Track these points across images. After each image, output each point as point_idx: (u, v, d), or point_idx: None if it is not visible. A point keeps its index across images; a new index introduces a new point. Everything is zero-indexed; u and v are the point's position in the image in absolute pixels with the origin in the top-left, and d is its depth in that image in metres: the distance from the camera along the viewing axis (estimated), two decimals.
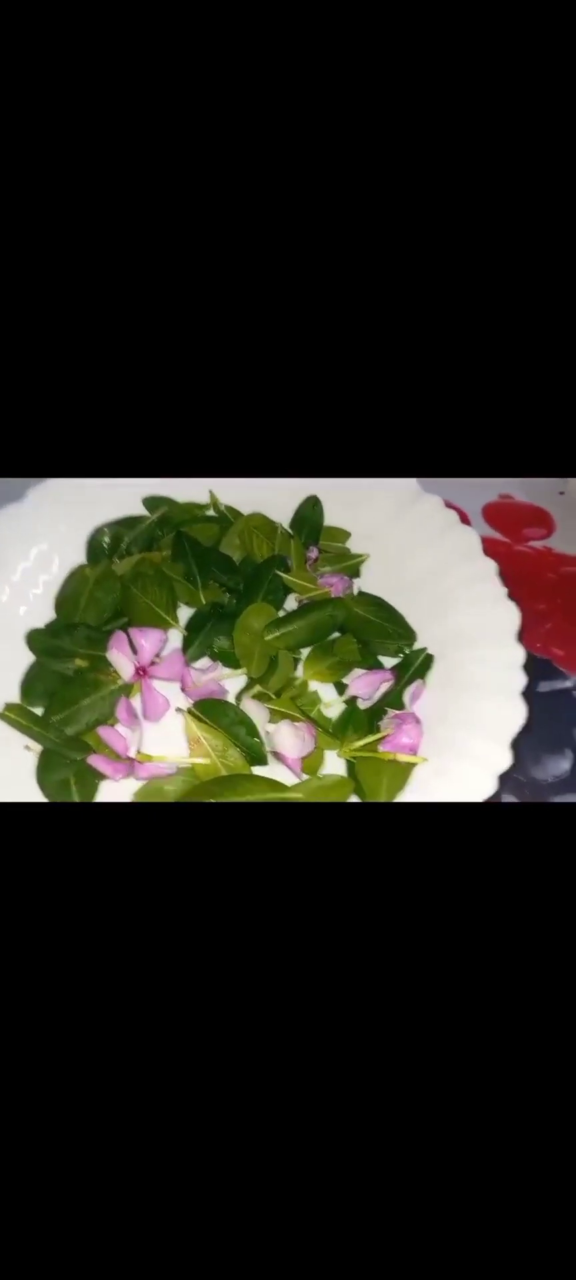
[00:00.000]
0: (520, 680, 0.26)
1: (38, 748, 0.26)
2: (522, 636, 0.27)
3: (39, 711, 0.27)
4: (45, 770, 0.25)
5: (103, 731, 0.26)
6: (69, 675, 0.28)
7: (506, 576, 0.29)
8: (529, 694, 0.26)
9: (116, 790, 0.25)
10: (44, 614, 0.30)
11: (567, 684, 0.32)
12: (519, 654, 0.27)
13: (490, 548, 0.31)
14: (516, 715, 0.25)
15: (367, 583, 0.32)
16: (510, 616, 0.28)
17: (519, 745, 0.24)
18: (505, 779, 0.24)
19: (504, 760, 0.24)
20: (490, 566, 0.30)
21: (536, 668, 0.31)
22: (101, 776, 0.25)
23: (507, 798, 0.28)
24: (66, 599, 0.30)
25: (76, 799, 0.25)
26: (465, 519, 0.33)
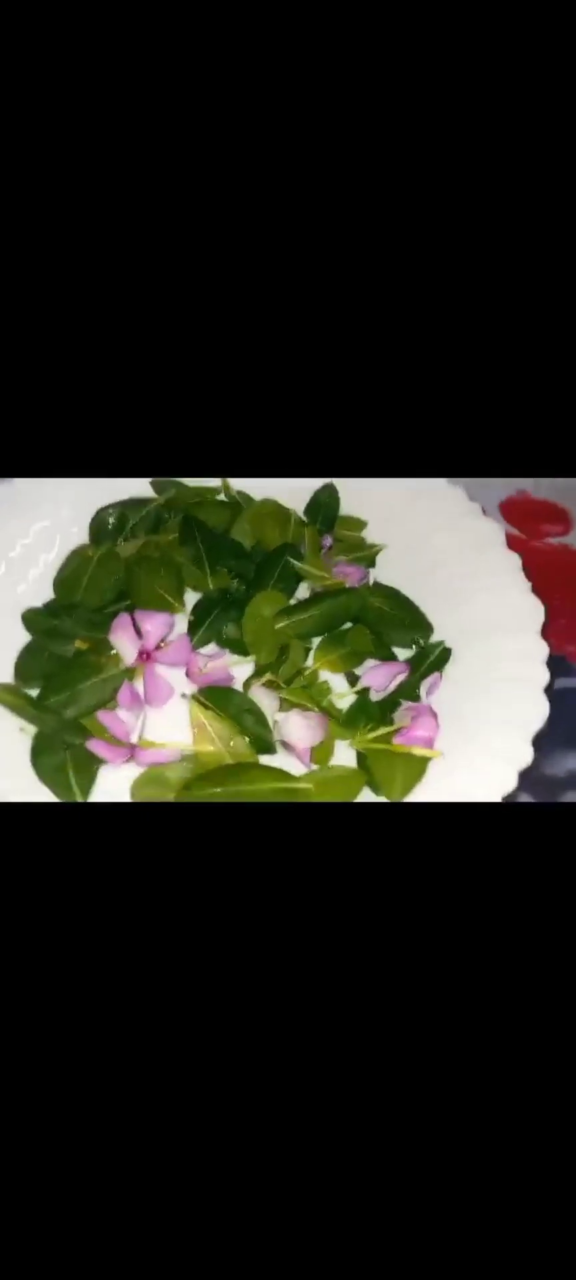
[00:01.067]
0: (543, 675, 0.25)
1: (32, 730, 0.25)
2: (545, 633, 0.26)
3: (34, 693, 0.26)
4: (41, 754, 0.24)
5: (103, 716, 0.25)
6: (68, 657, 0.27)
7: (529, 572, 0.28)
8: (549, 690, 0.24)
9: (116, 776, 0.24)
10: (43, 594, 0.29)
11: None
12: (542, 648, 0.26)
13: (507, 543, 0.30)
14: (538, 711, 0.24)
15: (383, 573, 0.31)
16: (534, 610, 0.27)
17: (538, 743, 0.23)
18: (520, 776, 0.23)
19: (525, 756, 0.23)
20: (514, 559, 0.29)
21: (552, 665, 0.30)
22: (100, 762, 0.24)
23: (523, 795, 0.27)
24: (66, 579, 0.29)
25: (74, 784, 0.23)
26: (484, 513, 0.32)
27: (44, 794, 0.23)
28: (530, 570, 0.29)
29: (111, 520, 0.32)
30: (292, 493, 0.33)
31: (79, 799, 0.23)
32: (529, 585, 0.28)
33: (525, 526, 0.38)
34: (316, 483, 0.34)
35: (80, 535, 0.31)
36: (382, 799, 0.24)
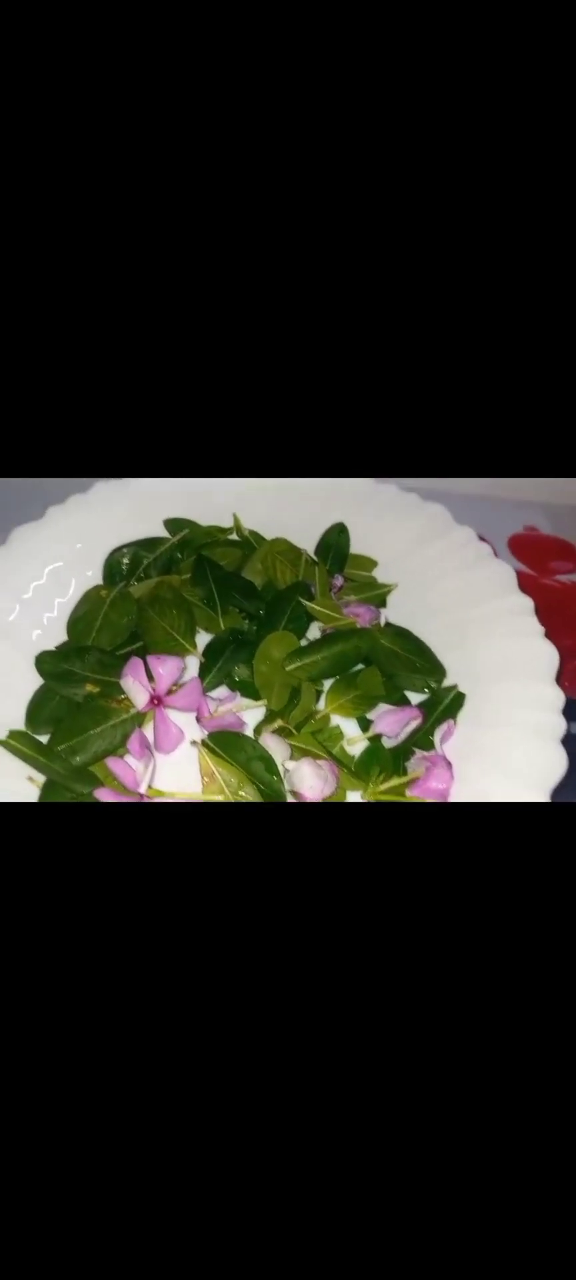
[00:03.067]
0: (559, 724, 0.24)
1: (40, 779, 0.25)
2: (559, 680, 0.26)
3: (44, 739, 0.26)
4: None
5: (111, 763, 0.25)
6: (78, 701, 0.27)
7: (540, 615, 0.28)
8: (567, 740, 0.24)
9: None
10: (57, 638, 0.29)
11: None
12: (558, 696, 0.25)
13: (519, 583, 0.30)
14: (556, 762, 0.23)
15: (395, 613, 0.31)
16: (548, 656, 0.26)
17: (557, 794, 0.23)
18: None
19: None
20: (526, 602, 0.29)
21: (566, 711, 0.29)
22: None
23: None
24: (79, 620, 0.29)
25: None
26: (492, 552, 0.32)
27: None
28: (540, 608, 0.28)
29: (125, 561, 0.32)
30: (302, 532, 0.33)
31: None
32: (542, 630, 0.27)
33: (534, 563, 0.38)
34: (323, 520, 0.33)
35: (95, 577, 0.31)
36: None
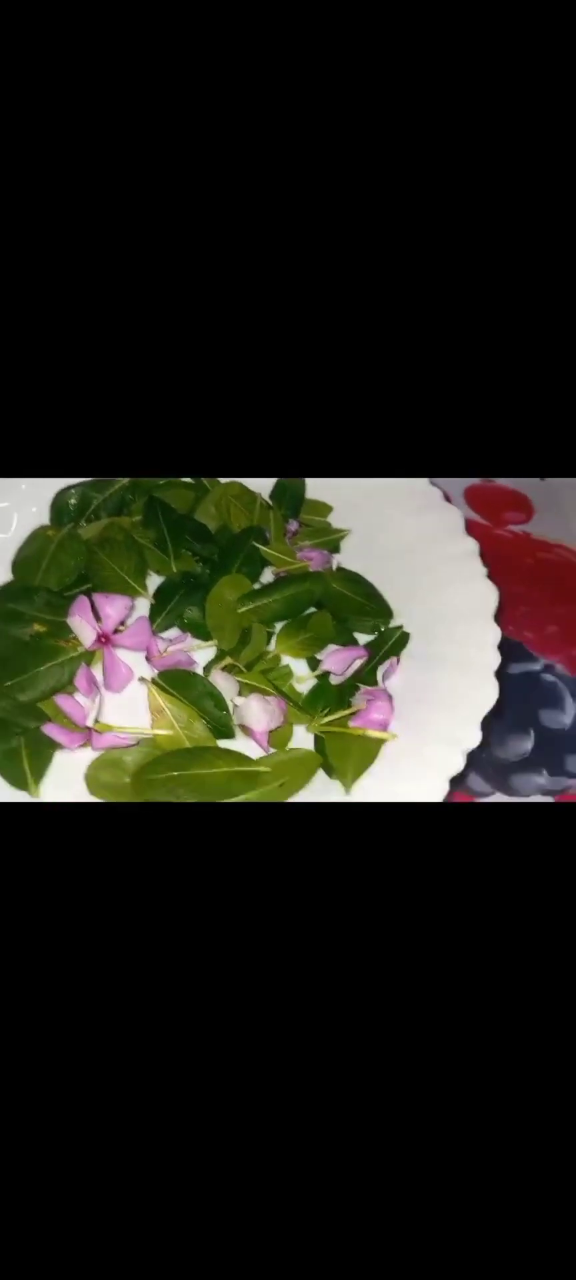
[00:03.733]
0: (494, 660, 0.26)
1: None
2: (498, 617, 0.27)
3: None
4: None
5: (59, 700, 0.25)
6: (25, 641, 0.26)
7: (485, 558, 0.29)
8: (500, 674, 0.25)
9: (72, 761, 0.24)
10: (0, 577, 0.29)
11: (535, 666, 0.32)
12: (494, 633, 0.26)
13: (470, 530, 0.30)
14: (488, 695, 0.25)
15: (347, 559, 0.31)
16: (488, 596, 0.27)
17: (487, 725, 0.24)
18: (470, 758, 0.23)
19: (472, 739, 0.24)
20: (471, 545, 0.29)
21: (508, 649, 0.30)
22: (56, 746, 0.24)
23: (473, 775, 0.28)
24: (25, 560, 0.29)
25: (27, 768, 0.23)
26: (447, 499, 0.33)
27: None
28: (491, 557, 0.29)
29: (73, 501, 0.31)
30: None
31: (31, 784, 0.23)
32: (485, 570, 0.28)
33: (488, 513, 0.39)
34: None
35: (40, 516, 0.31)
36: (336, 781, 0.24)
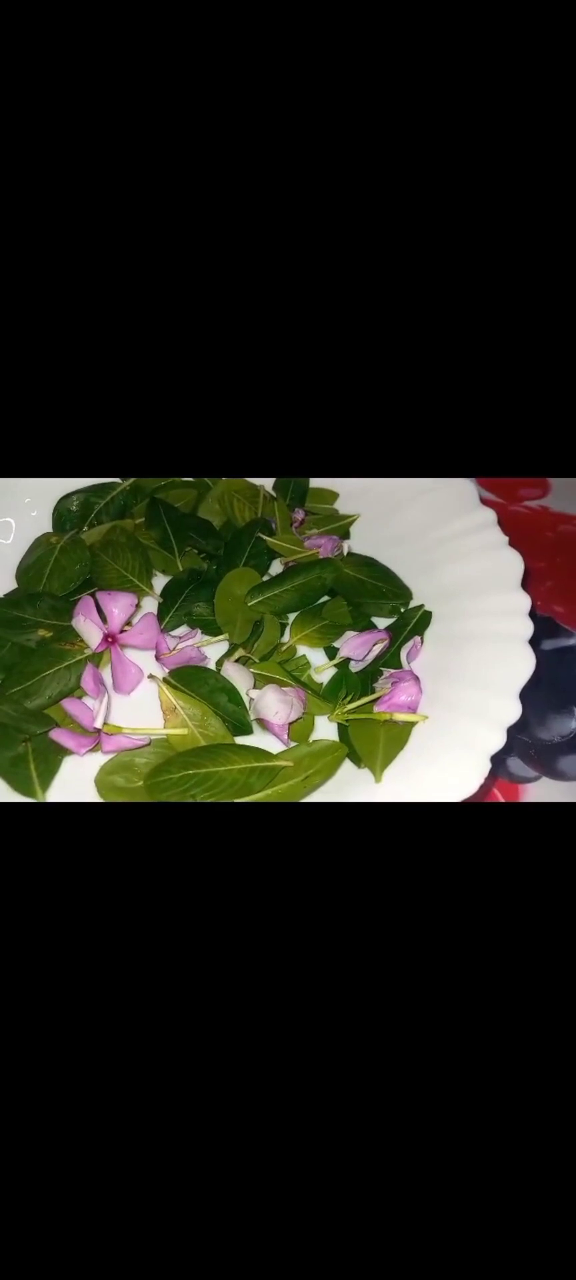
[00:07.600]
0: (525, 629, 0.24)
1: None
2: (525, 586, 0.25)
3: None
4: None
5: (67, 704, 0.24)
6: (30, 647, 0.25)
7: (504, 528, 0.28)
8: (535, 645, 0.24)
9: (81, 765, 0.23)
10: (2, 585, 0.28)
11: (571, 641, 0.30)
12: (523, 600, 0.25)
13: (481, 502, 0.29)
14: (522, 666, 0.23)
15: (358, 543, 0.30)
16: (513, 563, 0.26)
17: (525, 700, 0.22)
18: (510, 741, 0.21)
19: (512, 712, 0.22)
20: (489, 514, 0.28)
21: (539, 626, 0.29)
22: (64, 752, 0.23)
23: (512, 760, 0.26)
24: (29, 568, 0.28)
25: (34, 776, 0.22)
26: None
27: (2, 789, 0.22)
28: (511, 534, 0.28)
29: (74, 507, 0.30)
30: None
31: (38, 792, 0.22)
32: (506, 539, 0.27)
33: (502, 491, 0.37)
34: None
35: (42, 523, 0.30)
36: (365, 770, 0.22)
